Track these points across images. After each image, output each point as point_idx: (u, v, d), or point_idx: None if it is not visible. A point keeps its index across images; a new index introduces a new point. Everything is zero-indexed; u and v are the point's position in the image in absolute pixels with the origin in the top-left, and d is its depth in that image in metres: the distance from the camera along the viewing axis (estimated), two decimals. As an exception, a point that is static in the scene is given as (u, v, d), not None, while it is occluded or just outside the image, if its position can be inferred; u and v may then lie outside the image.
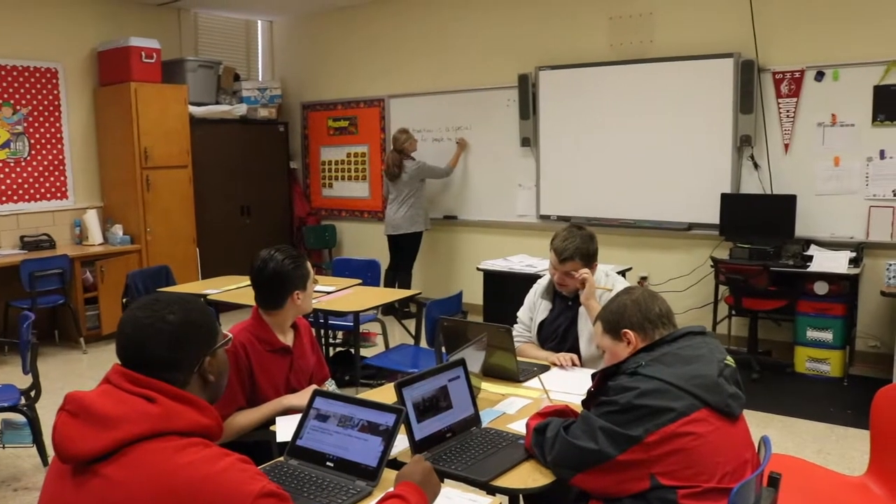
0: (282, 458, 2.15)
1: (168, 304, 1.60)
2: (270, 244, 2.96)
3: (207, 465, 1.43)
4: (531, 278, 4.92)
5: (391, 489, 1.77)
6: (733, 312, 5.76)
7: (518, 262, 5.73)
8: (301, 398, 2.62)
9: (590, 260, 3.20)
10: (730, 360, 2.13)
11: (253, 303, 2.84)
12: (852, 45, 5.42)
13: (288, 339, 2.84)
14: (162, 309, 1.58)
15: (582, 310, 3.19)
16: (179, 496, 1.39)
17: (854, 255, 5.30)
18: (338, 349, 5.31)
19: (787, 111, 5.70)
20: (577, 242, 3.17)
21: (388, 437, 2.01)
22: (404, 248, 7.30)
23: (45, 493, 1.54)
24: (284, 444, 2.21)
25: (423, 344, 4.75)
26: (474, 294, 5.98)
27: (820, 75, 5.56)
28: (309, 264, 2.86)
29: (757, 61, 5.71)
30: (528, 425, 2.21)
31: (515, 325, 3.35)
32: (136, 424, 1.44)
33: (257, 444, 2.52)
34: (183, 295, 1.70)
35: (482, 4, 7.19)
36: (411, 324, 5.22)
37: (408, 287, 7.14)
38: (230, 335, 1.74)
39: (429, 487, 1.80)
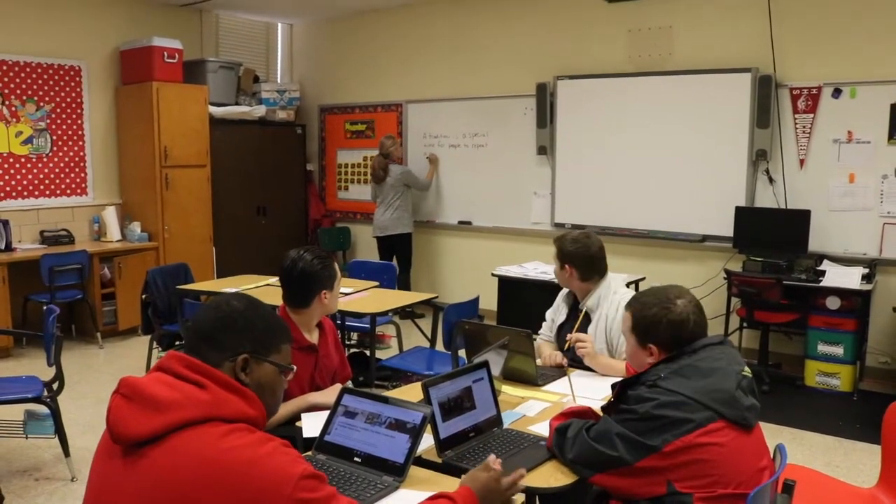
0: (310, 453, 2.20)
1: (240, 297, 1.75)
2: (285, 245, 3.02)
3: (252, 448, 1.49)
4: (545, 285, 5.00)
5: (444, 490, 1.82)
6: (745, 324, 5.78)
7: (532, 269, 5.77)
8: (325, 396, 2.68)
9: (562, 259, 3.25)
10: (747, 371, 2.17)
11: (270, 302, 2.90)
12: (870, 62, 5.46)
13: (313, 337, 2.90)
14: (232, 298, 1.73)
15: (593, 318, 3.24)
16: (226, 479, 1.45)
17: (867, 271, 5.33)
18: (352, 350, 5.37)
19: (804, 127, 5.74)
20: (562, 241, 3.28)
21: (416, 434, 2.06)
22: (397, 250, 7.48)
23: (95, 471, 1.61)
24: (310, 439, 2.27)
25: (438, 347, 4.81)
26: (487, 300, 6.02)
27: (837, 92, 5.60)
28: (336, 265, 2.92)
29: (775, 77, 5.75)
30: (550, 425, 2.26)
31: (543, 324, 3.43)
32: (186, 409, 1.50)
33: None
34: (259, 300, 1.79)
35: (502, 13, 7.25)
36: (426, 326, 5.27)
37: (407, 288, 7.21)
38: (294, 368, 1.78)
39: (486, 494, 1.82)
